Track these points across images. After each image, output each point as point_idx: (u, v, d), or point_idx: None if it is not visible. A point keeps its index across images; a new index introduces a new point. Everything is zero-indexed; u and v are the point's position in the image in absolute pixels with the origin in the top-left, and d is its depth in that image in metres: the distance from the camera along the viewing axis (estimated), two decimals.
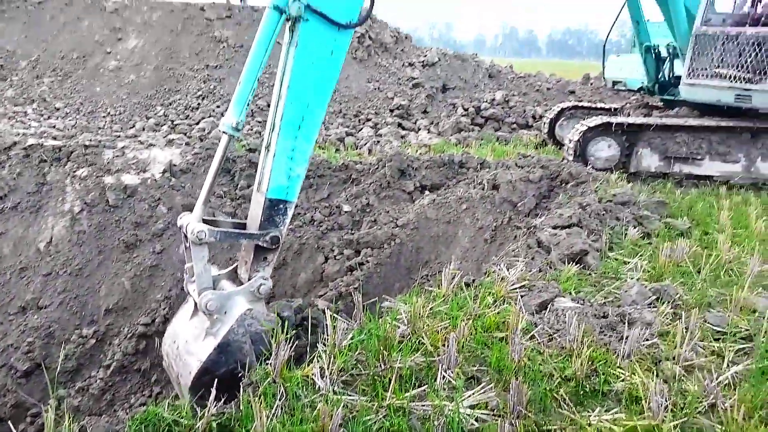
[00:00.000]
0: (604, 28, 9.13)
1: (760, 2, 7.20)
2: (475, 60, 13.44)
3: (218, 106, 9.57)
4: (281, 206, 3.54)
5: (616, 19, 8.51)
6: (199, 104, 9.66)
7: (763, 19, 6.58)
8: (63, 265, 5.61)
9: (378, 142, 8.66)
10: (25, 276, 5.61)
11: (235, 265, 3.68)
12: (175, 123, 9.17)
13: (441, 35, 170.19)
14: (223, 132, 3.27)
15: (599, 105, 9.41)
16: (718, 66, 6.38)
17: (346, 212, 5.67)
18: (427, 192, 6.36)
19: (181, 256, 5.85)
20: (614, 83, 8.83)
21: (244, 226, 3.63)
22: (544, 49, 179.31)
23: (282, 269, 5.37)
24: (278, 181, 3.49)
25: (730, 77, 6.26)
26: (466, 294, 3.45)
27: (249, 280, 3.45)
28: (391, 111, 10.50)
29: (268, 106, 9.67)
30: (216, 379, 2.76)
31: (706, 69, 6.50)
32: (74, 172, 6.33)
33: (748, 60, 6.10)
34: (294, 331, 3.22)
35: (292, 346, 2.81)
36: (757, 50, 6.03)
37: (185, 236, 3.28)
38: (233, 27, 11.19)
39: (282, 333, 2.91)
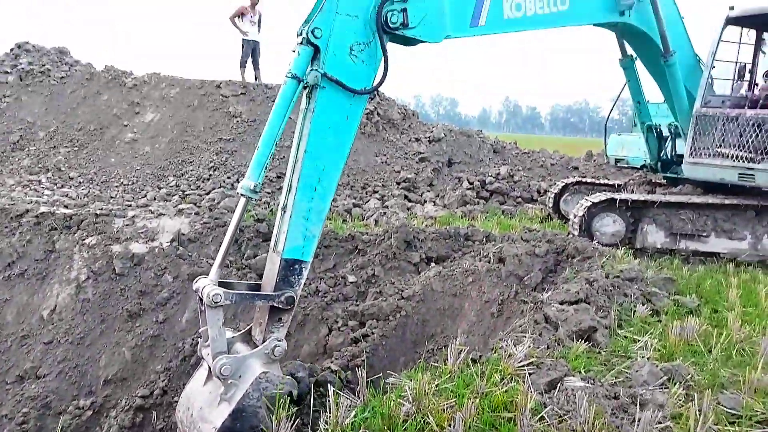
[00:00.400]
0: (604, 105, 9.47)
1: (757, 86, 7.47)
2: (480, 136, 13.80)
3: (229, 177, 9.78)
4: (297, 266, 3.58)
5: (617, 99, 8.80)
6: (210, 175, 9.88)
7: (761, 101, 6.80)
8: (65, 333, 5.56)
9: (384, 213, 8.76)
10: (26, 344, 5.56)
11: (249, 327, 3.68)
12: (186, 193, 9.35)
13: (446, 111, 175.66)
14: (242, 194, 3.39)
15: (603, 181, 9.55)
16: (720, 146, 6.52)
17: (351, 283, 5.66)
18: (432, 264, 6.36)
19: (183, 325, 5.81)
20: (617, 161, 9.00)
21: (258, 288, 3.65)
22: (546, 125, 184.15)
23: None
24: (294, 241, 3.55)
25: (732, 157, 6.38)
26: (472, 370, 3.38)
27: (263, 342, 3.44)
28: (398, 183, 10.68)
29: (278, 177, 9.89)
30: None
31: (708, 148, 6.63)
32: (83, 240, 6.40)
33: (750, 140, 6.23)
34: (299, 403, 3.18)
35: (293, 422, 2.73)
36: (758, 131, 6.18)
37: (200, 299, 3.30)
38: (247, 103, 11.62)
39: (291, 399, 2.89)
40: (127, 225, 6.67)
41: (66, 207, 7.50)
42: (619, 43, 7.29)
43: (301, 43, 3.47)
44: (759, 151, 6.15)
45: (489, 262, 5.82)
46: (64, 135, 11.45)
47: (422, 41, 4.01)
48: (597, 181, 9.48)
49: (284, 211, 3.58)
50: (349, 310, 5.43)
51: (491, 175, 11.49)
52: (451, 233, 6.84)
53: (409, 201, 10.09)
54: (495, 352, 3.72)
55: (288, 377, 3.43)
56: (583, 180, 9.61)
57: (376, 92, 3.89)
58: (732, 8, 6.91)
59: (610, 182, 9.29)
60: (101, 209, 7.19)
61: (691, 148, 6.79)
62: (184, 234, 6.55)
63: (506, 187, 11.13)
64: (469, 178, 11.41)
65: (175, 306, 5.85)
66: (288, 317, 3.59)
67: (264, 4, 12.88)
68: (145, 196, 9.39)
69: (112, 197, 9.31)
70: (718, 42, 6.91)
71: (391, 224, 7.62)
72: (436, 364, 3.70)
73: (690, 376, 3.30)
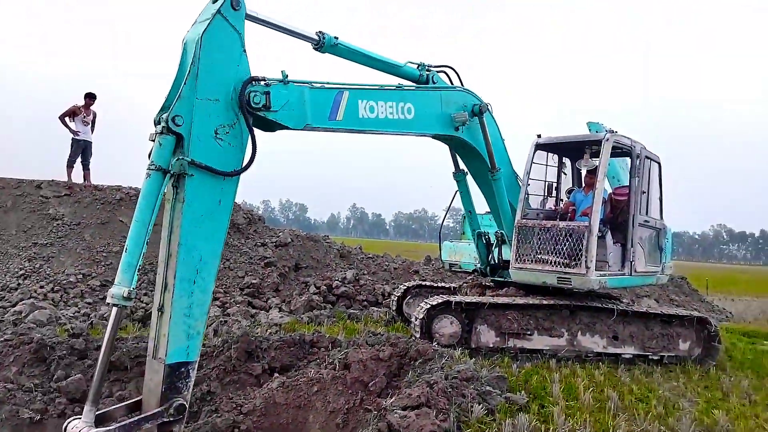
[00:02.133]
0: (441, 214, 10.28)
1: (562, 201, 8.69)
2: (327, 241, 14.03)
3: (42, 287, 8.63)
4: (183, 370, 3.37)
5: (449, 208, 9.60)
6: (19, 284, 8.64)
7: (568, 214, 7.87)
8: None
9: (225, 322, 8.28)
10: None
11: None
12: None
13: (296, 216, 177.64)
14: (113, 305, 3.10)
15: (441, 284, 10.11)
16: (539, 252, 7.33)
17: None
18: (276, 374, 6.03)
19: None
20: (451, 265, 9.66)
21: (137, 406, 3.40)
22: (391, 230, 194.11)
23: None
24: (177, 343, 3.33)
25: (550, 262, 7.18)
26: None
27: None
28: (242, 290, 10.27)
29: (101, 285, 8.96)
30: None
31: (530, 255, 7.42)
32: None
33: (564, 248, 7.09)
34: None
35: None
36: (569, 240, 7.07)
37: None
38: (72, 205, 10.64)
39: None
40: None
41: None
42: (452, 158, 8.10)
43: (162, 132, 3.32)
44: (572, 257, 7.01)
45: (335, 369, 5.67)
46: None
47: (285, 126, 4.10)
48: (435, 285, 10.01)
49: (161, 312, 3.37)
50: None
51: (338, 279, 11.59)
52: (296, 340, 6.60)
53: (253, 308, 9.69)
54: None
55: None
56: (423, 283, 10.09)
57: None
58: (539, 136, 8.13)
59: (447, 285, 9.85)
60: None
61: (515, 254, 7.54)
62: None
63: (352, 291, 11.26)
64: (315, 283, 11.37)
65: None
66: (180, 427, 3.40)
67: (99, 105, 12.33)
68: None
69: None
70: (531, 164, 8.00)
71: (231, 333, 7.18)
72: None
73: None
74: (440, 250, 9.82)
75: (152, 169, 3.28)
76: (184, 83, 3.38)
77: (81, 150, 11.97)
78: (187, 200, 3.40)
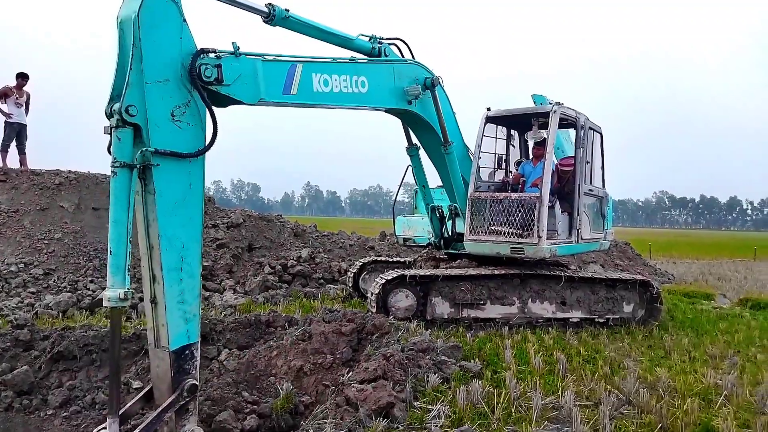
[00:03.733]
0: (394, 188, 10.29)
1: (511, 172, 8.85)
2: (280, 220, 13.87)
3: None
4: (187, 352, 3.50)
5: (401, 182, 9.62)
6: None
7: (519, 186, 8.03)
8: None
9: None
10: None
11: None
12: None
13: (249, 197, 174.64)
14: (111, 307, 3.12)
15: (395, 259, 10.20)
16: (492, 224, 7.47)
17: (135, 389, 5.01)
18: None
19: None
20: (405, 240, 9.74)
21: (151, 394, 3.56)
22: (347, 208, 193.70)
23: None
24: (177, 329, 3.44)
25: (504, 233, 7.34)
26: None
27: None
28: None
29: (45, 274, 8.62)
30: None
31: (483, 227, 7.55)
32: None
33: (516, 218, 7.25)
34: None
35: None
36: (521, 210, 7.22)
37: None
38: (9, 191, 10.11)
39: None
40: None
41: None
42: (405, 133, 8.11)
43: (117, 126, 3.21)
44: (524, 228, 7.18)
45: (296, 342, 5.69)
46: None
47: (237, 100, 4.01)
48: (391, 260, 10.09)
49: (154, 304, 3.44)
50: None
51: (293, 259, 11.51)
52: (252, 321, 6.57)
53: (207, 290, 9.54)
54: None
55: None
56: (379, 259, 10.15)
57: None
58: (489, 109, 8.21)
59: (402, 260, 9.95)
60: None
61: (469, 227, 7.66)
62: None
63: (308, 269, 11.21)
64: (270, 263, 11.26)
65: None
66: (194, 405, 3.54)
67: (32, 86, 11.68)
68: None
69: None
70: (482, 136, 8.08)
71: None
72: None
73: None
74: (394, 225, 9.88)
75: (117, 167, 3.19)
76: (130, 68, 3.23)
77: (15, 133, 11.37)
78: (157, 191, 3.35)
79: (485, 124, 8.14)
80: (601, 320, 7.85)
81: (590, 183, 8.07)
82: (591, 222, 8.19)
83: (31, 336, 5.55)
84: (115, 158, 3.19)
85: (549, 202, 7.19)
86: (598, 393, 4.65)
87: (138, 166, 3.25)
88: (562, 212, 7.66)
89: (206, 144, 3.61)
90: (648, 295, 8.09)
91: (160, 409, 3.37)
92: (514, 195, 7.49)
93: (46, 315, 7.38)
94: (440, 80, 6.94)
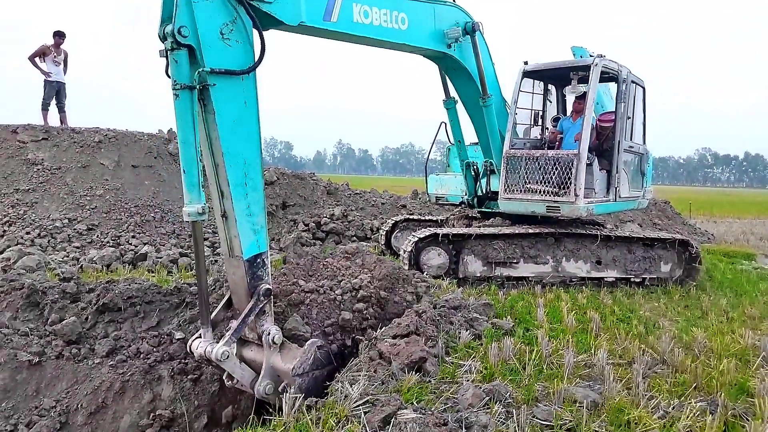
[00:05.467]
0: (427, 146, 10.18)
1: (547, 129, 8.62)
2: (313, 179, 13.96)
3: (28, 233, 8.58)
4: (259, 260, 3.89)
5: (434, 141, 9.52)
6: (4, 231, 8.58)
7: (556, 143, 7.84)
8: None
9: (215, 261, 8.34)
10: None
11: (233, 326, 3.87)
12: None
13: (282, 155, 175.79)
14: (192, 221, 3.51)
15: (428, 217, 10.19)
16: (528, 182, 7.34)
17: (178, 340, 5.22)
18: None
19: None
20: (437, 198, 9.68)
21: (230, 302, 4.08)
22: (378, 166, 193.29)
23: (101, 412, 4.68)
24: (248, 239, 3.80)
25: (539, 192, 7.21)
26: (308, 418, 3.28)
27: (260, 338, 3.95)
28: None
29: (88, 230, 8.93)
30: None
31: (518, 185, 7.42)
32: None
33: (552, 177, 7.10)
34: None
35: None
36: (558, 169, 7.06)
37: (209, 362, 3.82)
38: (50, 149, 10.40)
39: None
40: None
41: None
42: (443, 85, 7.99)
43: (173, 48, 3.39)
44: (561, 186, 7.03)
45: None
46: None
47: (279, 21, 4.08)
48: (423, 218, 10.08)
49: (225, 218, 3.78)
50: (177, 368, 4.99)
51: (326, 216, 11.63)
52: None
53: None
54: (331, 395, 3.66)
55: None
56: (411, 217, 10.16)
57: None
58: (526, 63, 7.96)
59: (434, 218, 9.93)
60: None
61: (504, 185, 7.54)
62: None
63: (341, 227, 11.34)
64: (304, 220, 11.42)
65: None
66: (270, 307, 3.99)
67: (69, 44, 11.82)
68: None
69: None
70: (518, 92, 7.87)
71: (222, 272, 7.26)
72: (270, 417, 3.54)
73: (509, 393, 3.55)
74: (426, 183, 9.83)
75: (178, 89, 3.38)
76: None
77: (54, 92, 11.60)
78: (216, 110, 3.55)
79: (522, 79, 7.90)
80: (637, 280, 7.74)
81: (630, 139, 7.82)
82: (630, 180, 7.98)
83: (77, 288, 5.79)
84: (175, 81, 3.39)
85: (587, 159, 7.01)
86: (631, 352, 4.62)
87: (198, 86, 3.43)
88: (600, 170, 7.47)
89: (255, 60, 3.74)
90: (687, 254, 7.91)
91: (243, 314, 3.83)
92: (551, 152, 7.31)
93: (91, 269, 7.69)
94: (480, 26, 6.80)
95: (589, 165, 7.13)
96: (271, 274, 4.18)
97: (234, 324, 3.83)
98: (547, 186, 7.13)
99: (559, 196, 7.02)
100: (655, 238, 7.83)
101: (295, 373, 3.82)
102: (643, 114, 8.30)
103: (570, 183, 6.91)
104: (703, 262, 8.23)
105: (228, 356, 3.70)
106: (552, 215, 7.26)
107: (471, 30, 6.68)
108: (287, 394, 3.52)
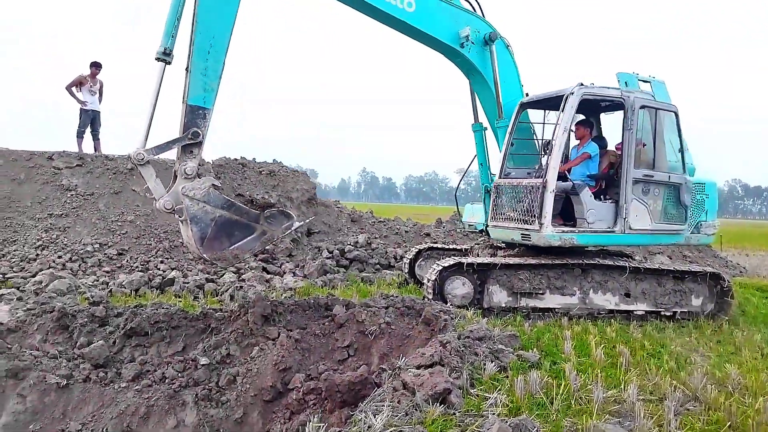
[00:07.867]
0: (451, 176, 10.25)
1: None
2: (338, 206, 14.07)
3: (60, 257, 8.79)
4: (200, 111, 4.90)
5: (466, 172, 9.49)
6: (37, 255, 8.81)
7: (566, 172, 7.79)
8: None
9: (241, 287, 8.41)
10: None
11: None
12: (6, 276, 8.20)
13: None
14: (156, 59, 4.77)
15: (452, 246, 10.15)
16: (507, 210, 7.55)
17: (203, 366, 5.25)
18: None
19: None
20: (469, 226, 9.66)
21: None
22: (402, 194, 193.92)
23: None
24: (196, 91, 4.87)
25: (514, 219, 7.35)
26: None
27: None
28: (255, 256, 10.38)
29: (118, 254, 9.12)
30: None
31: (501, 213, 7.68)
32: None
33: (524, 205, 7.18)
34: None
35: None
36: (528, 196, 7.12)
37: (133, 163, 4.81)
38: (84, 176, 10.72)
39: None
40: None
41: None
42: (472, 105, 8.26)
43: None
44: (529, 214, 7.08)
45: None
46: None
47: None
48: (447, 247, 10.05)
49: (188, 71, 4.86)
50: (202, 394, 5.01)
51: (350, 244, 11.67)
52: (311, 303, 6.71)
53: (268, 273, 9.83)
54: (354, 425, 3.63)
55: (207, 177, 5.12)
56: (435, 246, 10.13)
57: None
58: (527, 95, 8.01)
59: (459, 247, 9.88)
60: None
61: (492, 213, 7.80)
62: (2, 323, 5.67)
63: (364, 254, 11.35)
64: (328, 248, 11.47)
65: None
66: (198, 150, 4.99)
67: (105, 74, 12.28)
68: None
69: None
70: (514, 123, 7.86)
71: (247, 298, 7.31)
72: None
73: (536, 429, 3.47)
74: (457, 211, 9.85)
75: None
76: None
77: (90, 120, 12.02)
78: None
79: (519, 111, 7.89)
80: (668, 313, 7.54)
81: (652, 168, 7.54)
82: (658, 211, 7.68)
83: (106, 312, 5.89)
84: None
85: (575, 189, 7.19)
86: (662, 388, 4.49)
87: None
88: (606, 200, 7.40)
89: None
90: (718, 288, 7.70)
91: (170, 139, 4.86)
92: (525, 181, 7.38)
93: (119, 293, 7.82)
94: (502, 38, 7.08)
95: (576, 195, 7.22)
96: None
97: (161, 143, 4.84)
98: (518, 214, 7.27)
99: (528, 223, 7.10)
100: (686, 271, 7.64)
101: (185, 193, 4.83)
102: (679, 140, 7.79)
103: (534, 211, 6.96)
104: (736, 296, 7.99)
105: (143, 159, 4.75)
106: (525, 243, 7.31)
107: (490, 39, 7.00)
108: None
